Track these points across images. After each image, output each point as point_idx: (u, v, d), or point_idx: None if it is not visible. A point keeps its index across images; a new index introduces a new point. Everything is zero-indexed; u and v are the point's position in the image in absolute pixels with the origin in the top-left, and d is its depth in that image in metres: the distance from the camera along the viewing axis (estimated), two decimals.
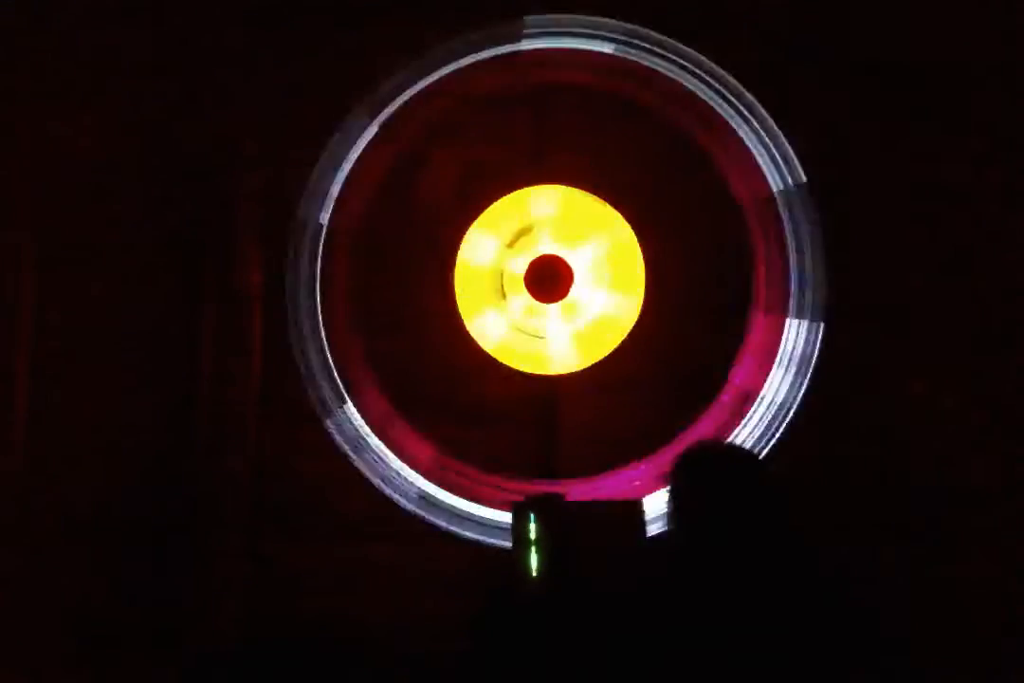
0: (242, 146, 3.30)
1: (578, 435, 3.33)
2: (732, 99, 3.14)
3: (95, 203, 3.27)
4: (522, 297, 3.35)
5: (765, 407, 3.15)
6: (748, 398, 3.21)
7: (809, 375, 3.08)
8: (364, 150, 3.24)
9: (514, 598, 2.43)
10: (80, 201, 3.27)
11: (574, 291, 3.35)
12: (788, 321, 3.16)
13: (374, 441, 3.20)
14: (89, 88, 3.27)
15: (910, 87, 3.29)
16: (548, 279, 3.37)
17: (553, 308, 3.36)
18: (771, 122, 3.11)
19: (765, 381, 3.17)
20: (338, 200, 3.23)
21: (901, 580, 3.04)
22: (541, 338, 3.35)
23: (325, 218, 3.22)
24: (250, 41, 3.30)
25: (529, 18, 3.15)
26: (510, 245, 3.35)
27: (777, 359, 3.15)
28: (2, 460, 3.19)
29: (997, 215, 3.25)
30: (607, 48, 3.19)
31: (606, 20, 3.14)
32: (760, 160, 3.16)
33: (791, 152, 3.11)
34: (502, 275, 3.36)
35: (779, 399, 3.12)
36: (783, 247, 3.16)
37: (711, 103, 3.17)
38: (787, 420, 3.09)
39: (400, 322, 3.35)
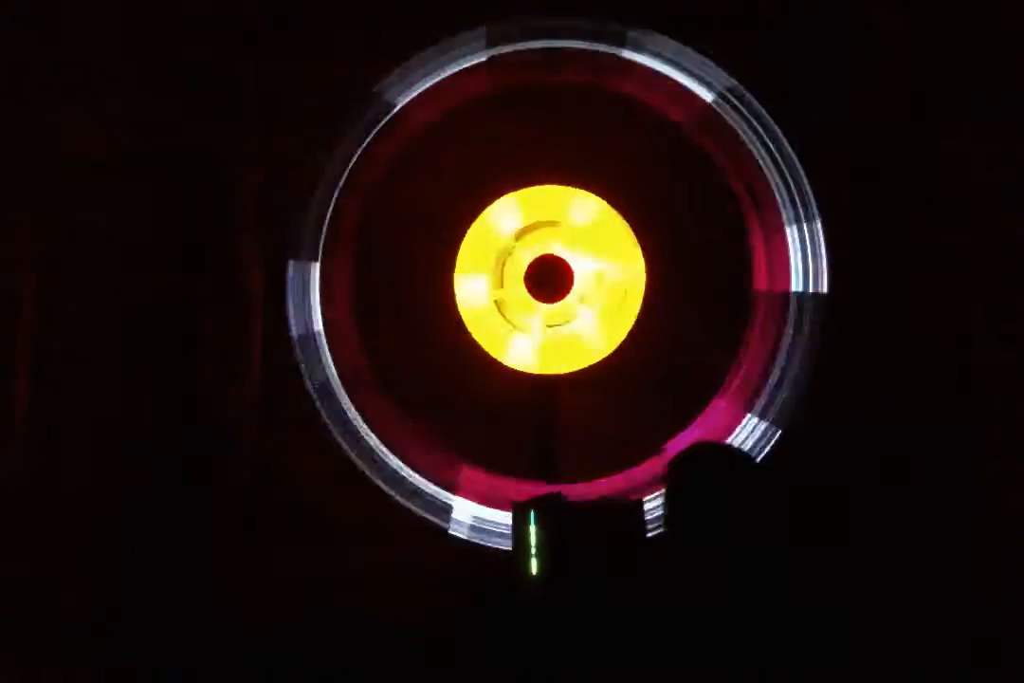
0: (242, 145, 3.30)
1: (578, 435, 3.33)
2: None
3: (94, 202, 3.27)
4: (519, 286, 3.34)
5: (758, 418, 3.16)
6: (744, 403, 3.21)
7: (803, 392, 3.09)
8: (364, 149, 3.24)
9: (514, 598, 2.43)
10: (79, 200, 3.27)
11: (577, 277, 3.34)
12: (786, 332, 3.16)
13: (374, 441, 3.20)
14: (88, 87, 3.27)
15: (911, 87, 3.29)
16: (549, 280, 3.37)
17: (543, 308, 3.35)
18: (780, 134, 3.11)
19: (760, 392, 3.17)
20: (338, 200, 3.23)
21: (901, 580, 3.04)
22: (514, 328, 3.34)
23: (325, 217, 3.22)
24: (250, 41, 3.30)
25: (547, 17, 3.15)
26: (493, 272, 3.34)
27: (771, 373, 3.15)
28: (2, 460, 3.19)
29: (1000, 216, 3.25)
30: (622, 52, 3.18)
31: (625, 24, 3.13)
32: (767, 171, 3.16)
33: (799, 164, 3.11)
34: (506, 262, 3.35)
35: (771, 414, 3.13)
36: (785, 260, 3.17)
37: (719, 109, 3.17)
38: (781, 429, 3.10)
39: (400, 322, 3.34)
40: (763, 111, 3.10)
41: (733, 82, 3.12)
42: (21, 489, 3.18)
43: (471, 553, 3.08)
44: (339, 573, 3.15)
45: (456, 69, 3.19)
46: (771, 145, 3.14)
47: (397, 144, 3.31)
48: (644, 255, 3.32)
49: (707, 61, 3.13)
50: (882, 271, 3.24)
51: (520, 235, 3.36)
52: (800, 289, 3.16)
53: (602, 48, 3.15)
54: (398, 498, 3.15)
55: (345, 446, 3.16)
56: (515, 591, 2.45)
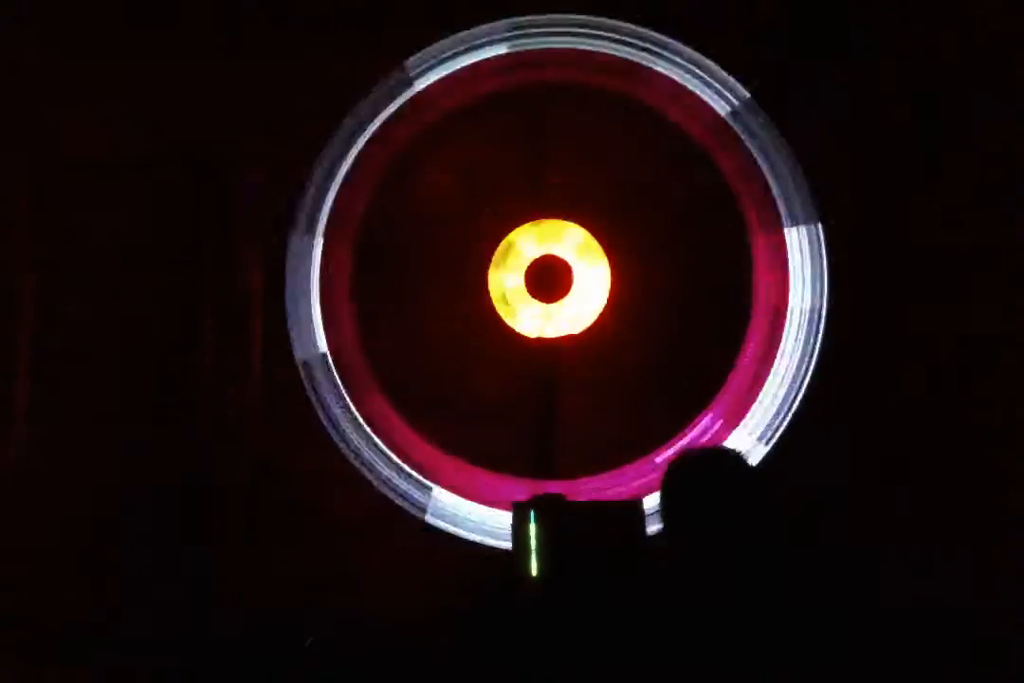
0: (242, 145, 3.30)
1: (578, 435, 3.33)
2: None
3: (94, 202, 3.27)
4: (531, 307, 3.35)
5: (758, 418, 3.16)
6: (743, 404, 3.21)
7: (803, 393, 3.09)
8: (364, 149, 3.24)
9: (514, 598, 2.44)
10: (79, 200, 3.27)
11: (565, 301, 3.36)
12: (784, 334, 3.17)
13: (374, 441, 3.20)
14: (88, 87, 3.27)
15: (911, 87, 3.29)
16: (548, 279, 3.37)
17: (537, 306, 3.36)
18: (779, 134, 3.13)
19: (759, 393, 3.18)
20: (337, 200, 3.23)
21: (900, 581, 3.04)
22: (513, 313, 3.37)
23: (324, 218, 3.22)
24: (250, 41, 3.30)
25: (548, 17, 3.15)
26: (496, 266, 3.35)
27: (771, 375, 3.16)
28: (2, 460, 3.19)
29: (1000, 215, 3.25)
30: (622, 53, 3.19)
31: (623, 24, 3.14)
32: (767, 172, 3.17)
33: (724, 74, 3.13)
34: (511, 251, 3.35)
35: (770, 414, 3.13)
36: (784, 260, 3.18)
37: (718, 109, 3.18)
38: (781, 429, 3.10)
39: (400, 322, 3.34)
40: (772, 125, 3.14)
41: (748, 95, 3.16)
42: (21, 489, 3.18)
43: (471, 553, 3.08)
44: (339, 573, 3.15)
45: (477, 58, 3.19)
46: (776, 153, 3.16)
47: (411, 130, 3.30)
48: (644, 257, 3.33)
49: (726, 76, 3.17)
50: (882, 271, 3.24)
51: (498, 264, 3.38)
52: (799, 298, 3.17)
53: (625, 54, 3.18)
54: (398, 498, 3.15)
55: (345, 446, 3.16)
56: (515, 591, 2.45)
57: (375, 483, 3.15)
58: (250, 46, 3.29)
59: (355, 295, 3.33)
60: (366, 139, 3.22)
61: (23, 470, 3.19)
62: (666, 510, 1.96)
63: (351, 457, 3.16)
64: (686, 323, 3.31)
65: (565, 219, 3.38)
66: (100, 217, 3.26)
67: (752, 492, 1.90)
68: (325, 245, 3.22)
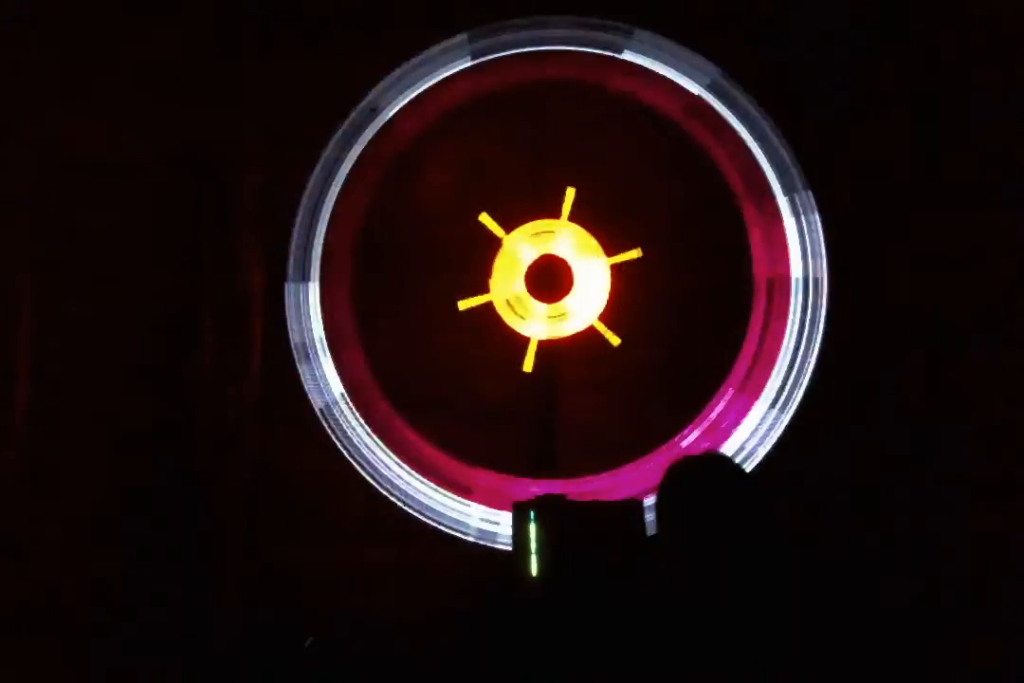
0: (242, 145, 3.30)
1: (578, 435, 3.33)
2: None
3: (94, 202, 3.27)
4: (517, 282, 3.35)
5: (758, 418, 3.16)
6: (742, 405, 3.22)
7: (802, 394, 3.09)
8: (364, 149, 3.24)
9: (514, 598, 2.44)
10: (79, 200, 3.27)
11: (567, 301, 3.35)
12: (785, 337, 3.17)
13: (374, 441, 3.20)
14: (88, 87, 3.27)
15: (911, 86, 3.30)
16: (548, 279, 3.37)
17: (540, 307, 3.35)
18: (780, 136, 3.14)
19: (759, 394, 3.18)
20: (338, 200, 3.24)
21: (900, 584, 3.05)
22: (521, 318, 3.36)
23: (325, 218, 3.22)
24: (250, 41, 3.30)
25: (549, 18, 3.16)
26: (497, 272, 3.36)
27: (770, 376, 3.16)
28: (2, 460, 3.19)
29: (999, 215, 3.25)
30: (622, 53, 3.20)
31: (623, 24, 3.14)
32: (767, 172, 3.18)
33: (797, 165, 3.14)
34: (510, 254, 3.34)
35: (771, 414, 3.14)
36: (785, 259, 3.18)
37: (718, 109, 3.19)
38: (780, 429, 3.11)
39: (401, 322, 3.35)
40: (746, 98, 3.15)
41: (718, 73, 3.15)
42: (21, 489, 3.18)
43: (471, 553, 3.08)
44: (339, 573, 3.15)
45: (441, 77, 3.21)
46: (758, 130, 3.16)
47: (397, 143, 3.31)
48: (644, 257, 3.33)
49: (694, 55, 3.16)
50: (883, 272, 3.25)
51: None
52: (800, 274, 3.17)
53: (595, 49, 3.19)
54: (398, 498, 3.15)
55: (345, 446, 3.16)
56: (515, 591, 2.45)
57: (375, 483, 3.15)
58: (250, 46, 3.29)
59: (355, 296, 3.33)
60: (367, 139, 3.23)
61: (23, 470, 3.18)
62: (664, 513, 1.96)
63: (351, 457, 3.16)
64: (686, 323, 3.31)
65: (571, 221, 3.38)
66: (100, 217, 3.25)
67: (750, 493, 1.90)
68: (325, 245, 3.22)
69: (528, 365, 3.29)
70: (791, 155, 3.14)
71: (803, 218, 3.17)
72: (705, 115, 3.23)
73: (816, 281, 3.16)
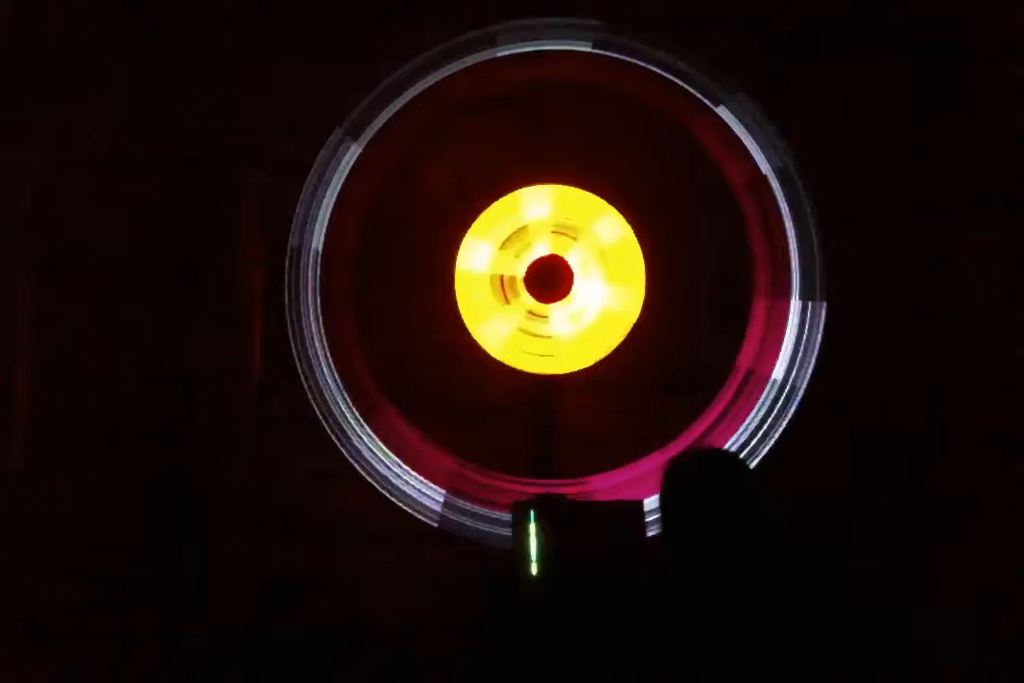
0: (242, 145, 3.30)
1: (578, 435, 3.33)
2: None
3: (94, 202, 3.27)
4: (524, 298, 3.35)
5: (758, 418, 3.16)
6: (742, 405, 3.21)
7: (802, 394, 3.09)
8: (365, 149, 3.24)
9: (514, 598, 2.44)
10: (79, 200, 3.27)
11: (575, 289, 3.34)
12: (785, 337, 3.17)
13: (374, 441, 3.20)
14: (89, 86, 3.27)
15: (911, 86, 3.30)
16: (548, 279, 3.37)
17: (556, 307, 3.35)
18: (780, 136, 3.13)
19: (759, 394, 3.18)
20: (338, 200, 3.23)
21: (900, 581, 3.05)
22: (548, 338, 3.34)
23: (324, 219, 3.22)
24: (250, 41, 3.30)
25: (549, 19, 3.16)
26: (502, 247, 3.34)
27: (770, 378, 3.16)
28: (2, 460, 3.19)
29: (997, 214, 3.25)
30: (621, 53, 3.20)
31: (624, 24, 3.14)
32: (766, 171, 3.18)
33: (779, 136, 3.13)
34: (501, 279, 3.35)
35: (771, 414, 3.13)
36: (786, 260, 3.18)
37: (718, 109, 3.19)
38: (780, 429, 3.10)
39: (401, 323, 3.34)
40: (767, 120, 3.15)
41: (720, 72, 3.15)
42: (21, 489, 3.18)
43: (470, 553, 3.08)
44: (339, 573, 3.15)
45: (456, 68, 3.20)
46: (774, 152, 3.17)
47: (397, 144, 3.31)
48: (644, 256, 3.32)
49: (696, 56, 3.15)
50: (883, 273, 3.25)
51: (503, 246, 3.36)
52: (799, 294, 3.18)
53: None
54: (398, 499, 3.15)
55: (345, 446, 3.16)
56: (515, 591, 2.45)
57: (375, 484, 3.15)
58: (250, 46, 3.29)
59: (355, 297, 3.33)
60: (367, 139, 3.23)
61: (23, 470, 3.18)
62: (665, 511, 1.96)
63: (351, 458, 3.15)
64: (686, 323, 3.31)
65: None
66: (100, 217, 3.26)
67: (752, 492, 1.90)
68: (325, 246, 3.22)
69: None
70: (793, 159, 3.15)
71: (802, 212, 3.17)
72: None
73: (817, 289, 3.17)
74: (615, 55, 3.18)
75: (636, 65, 3.19)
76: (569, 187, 3.32)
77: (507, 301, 3.34)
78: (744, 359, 3.27)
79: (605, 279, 3.32)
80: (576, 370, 3.28)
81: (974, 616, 3.05)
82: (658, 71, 3.17)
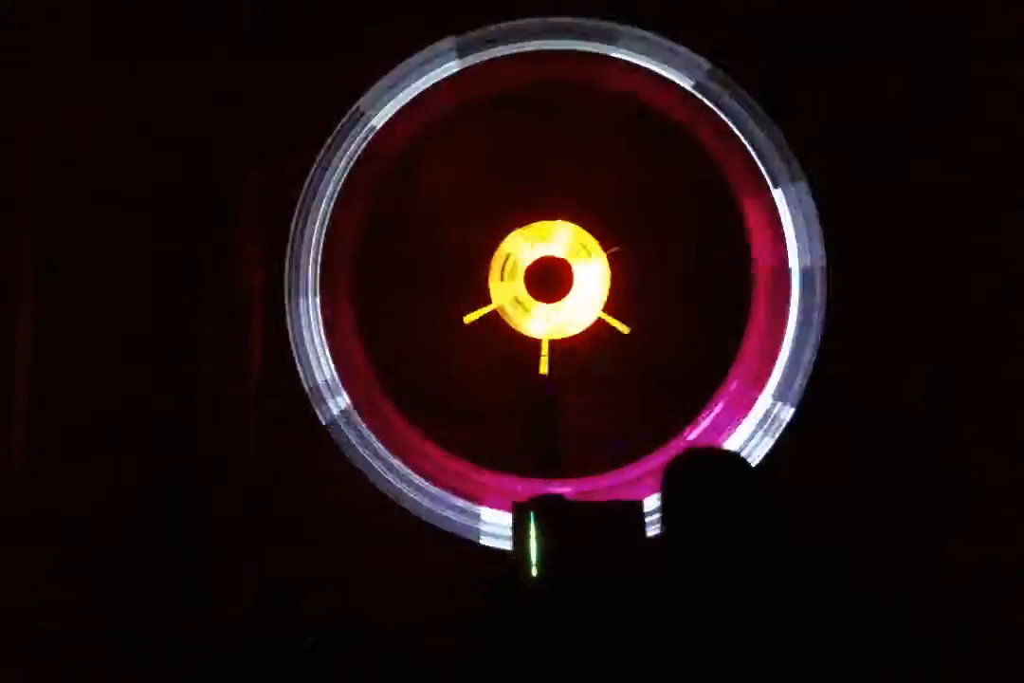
0: (243, 145, 3.30)
1: (578, 435, 3.33)
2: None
3: (95, 202, 3.27)
4: (517, 284, 3.36)
5: (757, 419, 3.17)
6: (742, 405, 3.22)
7: (802, 394, 3.10)
8: (365, 149, 3.24)
9: (515, 598, 2.43)
10: (80, 200, 3.27)
11: (567, 301, 3.36)
12: (785, 338, 3.18)
13: (374, 441, 3.20)
14: (89, 86, 3.27)
15: (911, 86, 3.30)
16: (548, 279, 3.37)
17: (540, 306, 3.36)
18: (781, 137, 3.14)
19: (758, 395, 3.18)
20: (338, 200, 3.24)
21: (902, 564, 3.05)
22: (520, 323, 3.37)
23: (325, 218, 3.22)
24: (251, 41, 3.30)
25: (548, 19, 3.16)
26: (495, 276, 3.37)
27: (769, 378, 3.16)
28: (2, 460, 3.19)
29: (997, 214, 3.25)
30: (617, 53, 3.20)
31: (624, 24, 3.15)
32: (767, 174, 3.19)
33: (799, 167, 3.15)
34: (508, 257, 3.35)
35: (770, 415, 3.14)
36: (786, 261, 3.19)
37: (718, 109, 3.19)
38: (780, 429, 3.11)
39: (401, 323, 3.35)
40: (739, 89, 3.16)
41: (709, 67, 3.17)
42: (21, 489, 3.18)
43: (471, 553, 3.08)
44: (339, 573, 3.15)
45: (435, 79, 3.22)
46: (751, 117, 3.18)
47: (397, 144, 3.31)
48: (644, 256, 3.33)
49: (680, 49, 3.18)
50: (882, 270, 3.25)
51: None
52: (798, 265, 3.19)
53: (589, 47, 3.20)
54: (398, 498, 3.15)
55: (345, 446, 3.16)
56: (515, 591, 2.45)
57: (375, 483, 3.15)
58: (250, 46, 3.29)
59: (355, 295, 3.33)
60: (367, 139, 3.23)
61: (23, 470, 3.18)
62: (666, 510, 1.96)
63: (351, 458, 3.16)
64: (686, 322, 3.31)
65: (566, 219, 3.38)
66: (100, 217, 3.25)
67: (753, 492, 1.89)
68: (325, 245, 3.23)
69: (544, 367, 3.30)
70: (787, 149, 3.15)
71: (800, 209, 3.18)
72: (699, 111, 3.24)
73: (816, 271, 3.17)
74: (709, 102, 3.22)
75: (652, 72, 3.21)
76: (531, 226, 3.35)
77: (502, 279, 3.36)
78: (742, 360, 3.28)
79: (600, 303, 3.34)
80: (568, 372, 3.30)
81: (977, 598, 3.05)
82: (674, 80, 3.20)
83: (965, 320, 3.21)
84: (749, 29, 3.28)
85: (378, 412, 3.27)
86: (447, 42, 3.19)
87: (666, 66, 3.23)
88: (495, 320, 3.36)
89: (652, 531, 2.60)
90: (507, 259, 3.36)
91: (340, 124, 3.19)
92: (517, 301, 3.37)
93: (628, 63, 3.23)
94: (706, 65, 3.19)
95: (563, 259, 3.38)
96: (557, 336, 3.34)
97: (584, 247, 3.37)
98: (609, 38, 3.20)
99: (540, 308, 3.36)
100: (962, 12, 3.27)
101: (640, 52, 3.21)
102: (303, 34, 3.31)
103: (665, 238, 3.34)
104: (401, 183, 3.37)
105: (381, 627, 3.09)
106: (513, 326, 3.34)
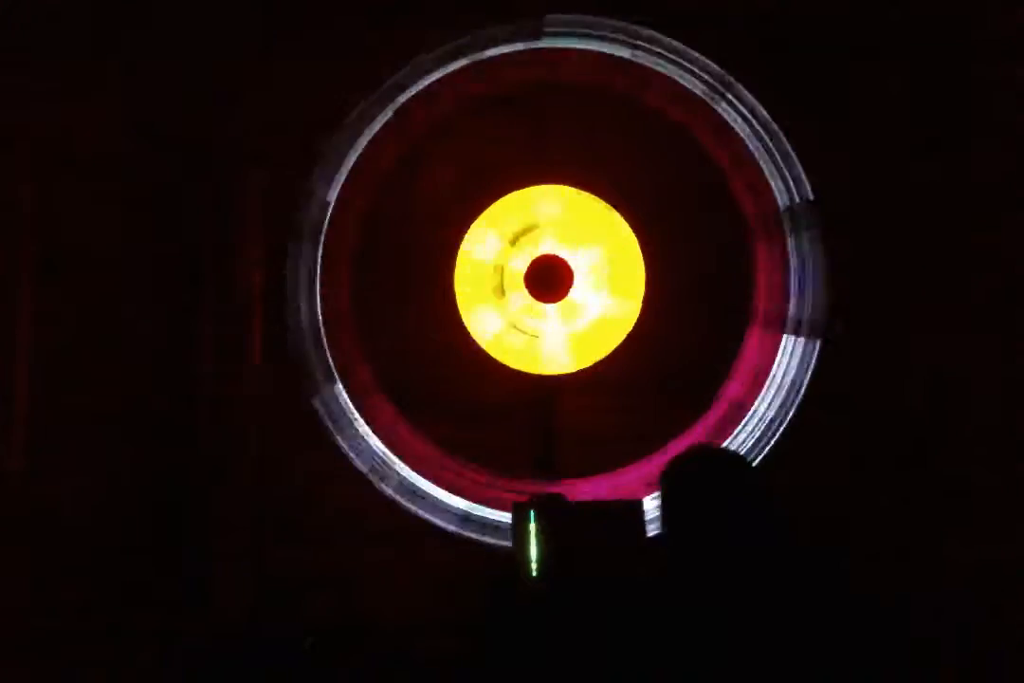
0: (243, 145, 3.30)
1: (578, 435, 3.33)
2: (741, 108, 3.18)
3: (95, 202, 3.26)
4: (521, 295, 3.36)
5: (757, 419, 3.17)
6: (742, 406, 3.22)
7: (802, 394, 3.10)
8: (365, 148, 3.24)
9: (515, 598, 2.44)
10: (79, 200, 3.27)
11: (573, 292, 3.35)
12: (784, 338, 3.18)
13: (374, 441, 3.20)
14: (89, 86, 3.26)
15: (910, 86, 3.30)
16: (548, 279, 3.37)
17: (551, 308, 3.36)
18: (782, 136, 3.13)
19: (758, 395, 3.18)
20: (338, 199, 3.24)
21: (902, 564, 3.05)
22: (536, 337, 3.36)
23: (325, 217, 3.22)
24: (251, 41, 3.30)
25: (548, 17, 3.15)
26: (512, 242, 3.35)
27: (769, 378, 3.16)
28: (2, 460, 3.19)
29: (997, 214, 3.25)
30: (623, 52, 3.20)
31: (624, 24, 3.14)
32: (768, 175, 3.18)
33: (799, 168, 3.13)
34: (503, 271, 3.36)
35: (770, 415, 3.14)
36: (785, 262, 3.18)
37: (718, 109, 3.19)
38: (780, 430, 3.11)
39: (401, 322, 3.35)
40: (739, 89, 3.15)
41: (720, 72, 3.17)
42: (21, 489, 3.17)
43: (470, 553, 3.08)
44: (339, 573, 3.15)
45: (459, 67, 3.20)
46: (752, 117, 3.18)
47: (399, 142, 3.31)
48: (644, 257, 3.33)
49: (697, 56, 3.18)
50: (882, 274, 3.25)
51: (513, 240, 3.37)
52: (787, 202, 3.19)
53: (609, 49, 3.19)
54: (398, 498, 3.15)
55: (345, 446, 3.16)
56: (515, 591, 2.45)
57: (375, 483, 3.15)
58: (250, 46, 3.29)
59: (355, 294, 3.33)
60: (368, 139, 3.23)
61: (23, 469, 3.18)
62: (666, 509, 1.96)
63: (351, 457, 3.16)
64: (686, 323, 3.31)
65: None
66: (100, 217, 3.25)
67: (753, 492, 1.90)
68: (325, 244, 3.22)
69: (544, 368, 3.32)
70: (794, 159, 3.15)
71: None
72: (699, 111, 3.24)
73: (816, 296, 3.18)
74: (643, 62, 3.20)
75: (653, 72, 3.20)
76: (582, 191, 3.33)
77: (504, 294, 3.36)
78: (729, 388, 3.29)
79: (605, 287, 3.33)
80: (563, 373, 3.30)
81: (977, 598, 3.05)
82: (682, 82, 3.19)
83: (965, 320, 3.21)
84: (749, 29, 3.28)
85: (378, 411, 3.27)
86: (450, 43, 3.18)
87: (667, 66, 3.22)
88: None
89: (652, 531, 2.61)
90: (501, 273, 3.36)
91: (348, 116, 3.18)
92: (526, 311, 3.37)
93: (629, 63, 3.22)
94: (711, 66, 3.18)
95: (554, 255, 3.37)
96: (575, 330, 3.32)
97: (570, 236, 3.35)
98: (612, 38, 3.20)
99: (549, 309, 3.36)
100: (962, 12, 3.26)
101: (641, 52, 3.21)
102: (303, 34, 3.30)
103: (666, 238, 3.33)
104: (401, 183, 3.37)
105: (381, 627, 3.09)
106: (530, 334, 3.33)
